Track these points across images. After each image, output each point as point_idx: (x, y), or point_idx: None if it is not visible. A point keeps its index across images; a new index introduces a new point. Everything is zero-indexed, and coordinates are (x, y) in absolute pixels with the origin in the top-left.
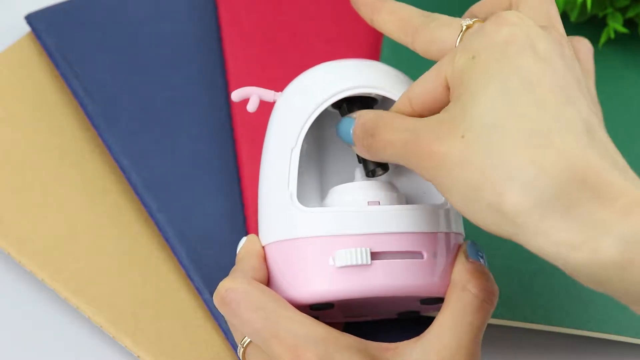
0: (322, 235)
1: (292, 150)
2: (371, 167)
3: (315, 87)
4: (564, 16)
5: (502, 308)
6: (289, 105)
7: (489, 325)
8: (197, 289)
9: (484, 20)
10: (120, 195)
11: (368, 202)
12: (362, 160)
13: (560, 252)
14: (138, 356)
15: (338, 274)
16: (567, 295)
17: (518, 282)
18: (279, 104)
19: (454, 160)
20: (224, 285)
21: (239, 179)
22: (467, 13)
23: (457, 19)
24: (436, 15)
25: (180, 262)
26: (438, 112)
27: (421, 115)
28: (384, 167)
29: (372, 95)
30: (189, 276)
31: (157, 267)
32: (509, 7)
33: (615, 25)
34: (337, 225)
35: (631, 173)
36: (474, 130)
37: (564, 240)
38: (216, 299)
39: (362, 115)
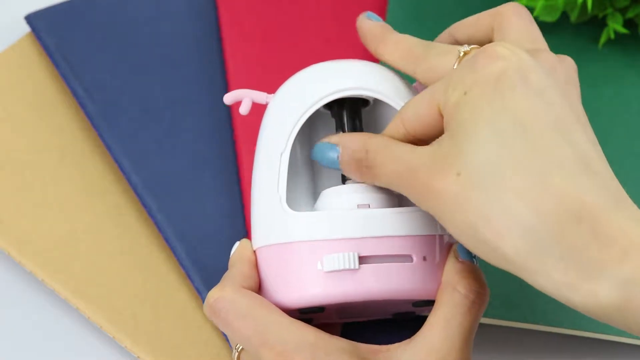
0: (310, 239)
1: (281, 154)
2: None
3: (304, 90)
4: (564, 16)
5: (502, 308)
6: (279, 108)
7: (489, 326)
8: (197, 289)
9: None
10: (120, 195)
11: (358, 205)
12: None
13: (561, 292)
14: (138, 356)
15: (326, 279)
16: None
17: (518, 283)
18: (271, 106)
19: (450, 197)
20: (212, 295)
21: (239, 179)
22: (445, 33)
23: (455, 47)
24: (435, 44)
25: (180, 262)
26: (432, 135)
27: (415, 138)
28: None
29: (363, 97)
30: (189, 276)
31: (157, 267)
32: (491, 30)
33: (615, 25)
34: (326, 230)
35: (633, 208)
36: (469, 169)
37: (563, 282)
38: (205, 309)
39: (348, 144)
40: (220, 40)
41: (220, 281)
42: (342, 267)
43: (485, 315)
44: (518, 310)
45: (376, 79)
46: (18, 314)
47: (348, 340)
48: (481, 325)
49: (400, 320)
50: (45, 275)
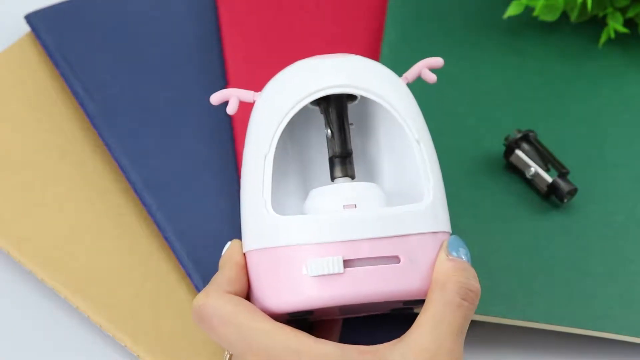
0: (295, 244)
1: (265, 157)
2: (337, 174)
3: (287, 90)
4: (564, 16)
5: (502, 306)
6: (264, 108)
7: (489, 324)
8: (197, 288)
9: None
10: (120, 194)
11: (344, 206)
12: (331, 162)
13: None
14: (137, 355)
15: (311, 283)
16: (567, 294)
17: (518, 280)
18: (257, 105)
19: None
20: (197, 301)
21: (238, 178)
22: None
23: None
24: None
25: (180, 262)
26: None
27: None
28: (351, 177)
29: (347, 93)
30: (189, 275)
31: (157, 267)
32: None
33: (615, 25)
34: (310, 234)
35: None
36: None
37: None
38: (192, 315)
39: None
40: (220, 40)
41: (207, 286)
42: (326, 272)
43: (486, 314)
44: (519, 309)
45: (360, 75)
46: (18, 314)
47: (334, 343)
48: (482, 323)
49: (400, 315)
50: (45, 275)
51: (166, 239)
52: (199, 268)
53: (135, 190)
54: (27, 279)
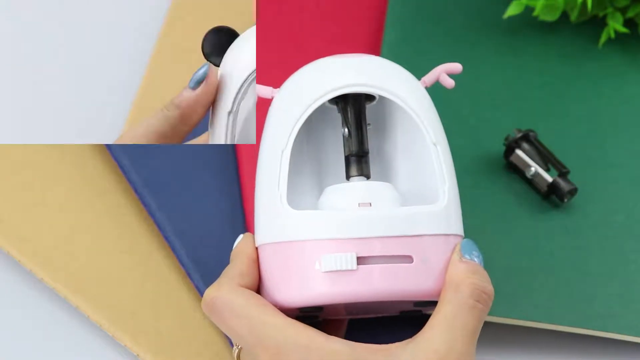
0: (309, 239)
1: (282, 152)
2: (353, 173)
3: (306, 87)
4: (564, 16)
5: (504, 306)
6: (282, 104)
7: (491, 324)
8: (197, 287)
9: None
10: (120, 194)
11: (359, 204)
12: (347, 161)
13: None
14: (137, 355)
15: (324, 279)
16: (567, 294)
17: (519, 280)
18: (275, 101)
19: None
20: (209, 294)
21: (238, 178)
22: None
23: None
24: None
25: (180, 261)
26: None
27: None
28: (367, 176)
29: (365, 92)
30: (189, 275)
31: (157, 266)
32: None
33: (615, 25)
34: (325, 230)
35: None
36: None
37: None
38: (203, 307)
39: None
40: None
41: (218, 278)
42: (339, 268)
43: (487, 313)
44: (521, 308)
45: (380, 75)
46: (18, 314)
47: (344, 341)
48: (484, 323)
49: (407, 318)
50: (45, 274)
51: (166, 238)
52: (199, 268)
53: (135, 190)
54: (27, 279)
